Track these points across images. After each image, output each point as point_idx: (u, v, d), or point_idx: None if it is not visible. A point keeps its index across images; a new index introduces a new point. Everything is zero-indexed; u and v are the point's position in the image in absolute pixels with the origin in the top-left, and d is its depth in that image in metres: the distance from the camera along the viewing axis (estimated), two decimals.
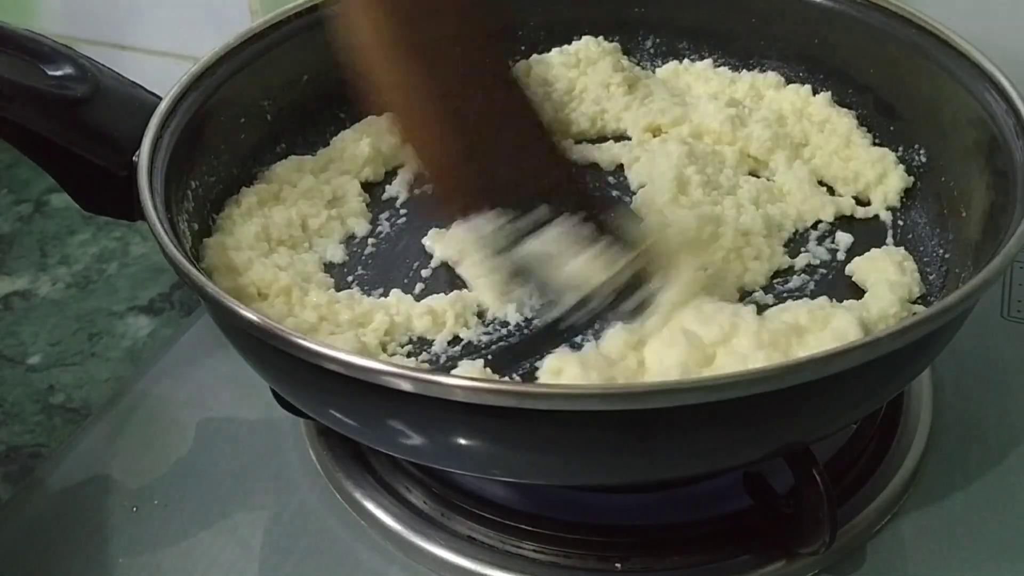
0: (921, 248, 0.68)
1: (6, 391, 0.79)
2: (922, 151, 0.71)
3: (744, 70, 0.80)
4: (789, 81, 0.79)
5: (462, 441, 0.52)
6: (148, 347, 0.82)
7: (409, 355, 0.61)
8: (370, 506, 0.63)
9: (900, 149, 0.72)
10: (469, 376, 0.55)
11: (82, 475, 0.67)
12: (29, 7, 1.05)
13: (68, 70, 0.62)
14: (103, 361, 0.81)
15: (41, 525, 0.64)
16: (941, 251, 0.67)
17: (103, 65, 0.64)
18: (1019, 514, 0.62)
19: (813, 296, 0.63)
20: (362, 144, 0.74)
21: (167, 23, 1.01)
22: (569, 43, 0.81)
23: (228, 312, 0.52)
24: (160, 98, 0.64)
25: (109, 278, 0.90)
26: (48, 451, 0.73)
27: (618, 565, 0.59)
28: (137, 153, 0.61)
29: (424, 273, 0.67)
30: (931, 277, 0.66)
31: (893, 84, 0.73)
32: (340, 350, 0.50)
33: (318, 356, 0.50)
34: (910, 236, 0.69)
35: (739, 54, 0.80)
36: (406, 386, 0.48)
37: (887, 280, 0.62)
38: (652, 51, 0.83)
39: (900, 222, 0.70)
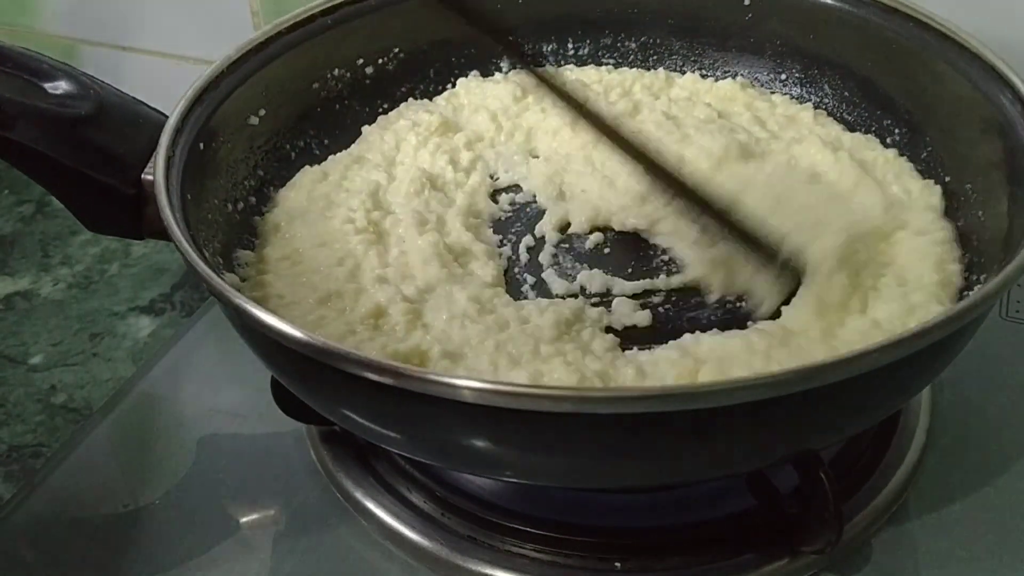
0: None
1: (8, 391, 0.79)
2: (931, 149, 0.71)
3: (741, 74, 0.80)
4: (788, 81, 0.79)
5: (512, 450, 0.52)
6: (149, 347, 0.82)
7: None
8: (371, 506, 0.63)
9: (908, 148, 0.72)
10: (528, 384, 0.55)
11: (83, 475, 0.67)
12: (30, 8, 1.05)
13: (68, 87, 0.61)
14: (104, 361, 0.81)
15: (41, 525, 0.64)
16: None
17: (103, 81, 0.63)
18: (1019, 513, 0.62)
19: None
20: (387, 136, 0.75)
21: (168, 25, 1.02)
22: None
23: (255, 321, 0.52)
24: (162, 114, 0.64)
25: (111, 278, 0.90)
26: (49, 451, 0.73)
27: (618, 565, 0.60)
28: (145, 170, 0.61)
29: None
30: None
31: (899, 83, 0.73)
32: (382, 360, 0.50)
33: (355, 364, 0.49)
34: None
35: (735, 55, 0.81)
36: (470, 398, 0.48)
37: None
38: (639, 51, 0.83)
39: None
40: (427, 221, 0.68)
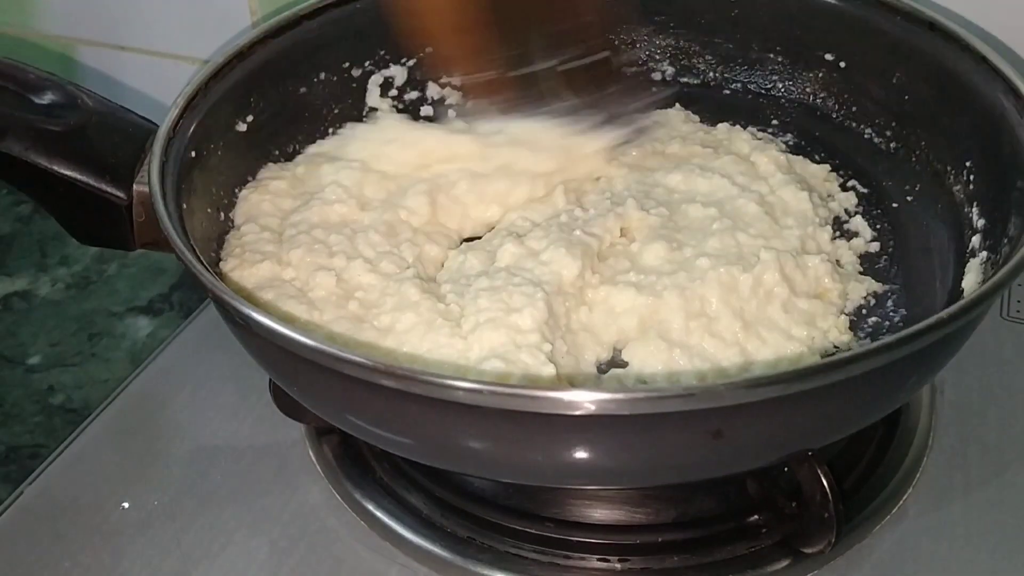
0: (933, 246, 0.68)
1: (6, 392, 0.79)
2: (929, 149, 0.72)
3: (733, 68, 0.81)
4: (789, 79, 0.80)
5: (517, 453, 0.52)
6: (148, 348, 0.82)
7: None
8: (370, 507, 0.63)
9: (895, 136, 0.73)
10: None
11: (81, 476, 0.67)
12: (29, 7, 1.05)
13: (55, 97, 0.61)
14: (103, 362, 0.81)
15: (41, 525, 0.64)
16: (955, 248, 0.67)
17: (90, 90, 0.63)
18: (1019, 513, 0.62)
19: None
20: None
21: (167, 23, 1.01)
22: None
23: (266, 329, 0.52)
24: (151, 122, 0.63)
25: (109, 279, 0.90)
26: (48, 451, 0.73)
27: (618, 565, 0.60)
28: (137, 180, 0.60)
29: None
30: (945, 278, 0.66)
31: (881, 71, 0.74)
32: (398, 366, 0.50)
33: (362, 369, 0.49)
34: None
35: (734, 58, 0.81)
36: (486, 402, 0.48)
37: None
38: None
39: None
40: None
